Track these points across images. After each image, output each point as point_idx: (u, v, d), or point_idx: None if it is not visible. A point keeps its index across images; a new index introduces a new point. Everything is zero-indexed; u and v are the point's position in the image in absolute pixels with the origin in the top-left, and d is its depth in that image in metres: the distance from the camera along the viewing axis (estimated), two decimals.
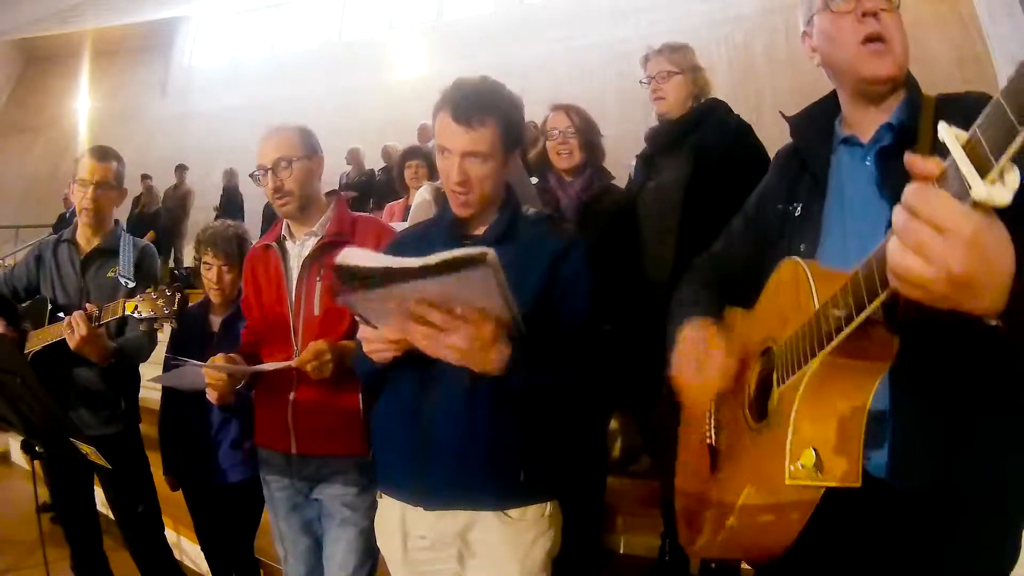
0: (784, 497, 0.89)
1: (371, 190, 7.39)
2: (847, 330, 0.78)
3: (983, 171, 0.59)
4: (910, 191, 0.64)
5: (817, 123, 1.16)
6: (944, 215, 0.62)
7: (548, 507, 1.41)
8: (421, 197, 2.78)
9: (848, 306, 0.77)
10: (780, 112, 1.25)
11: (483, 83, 1.37)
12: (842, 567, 1.01)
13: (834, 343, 0.81)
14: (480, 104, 1.32)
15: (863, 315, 0.76)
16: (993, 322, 0.68)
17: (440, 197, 2.22)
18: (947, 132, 0.61)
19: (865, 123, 1.09)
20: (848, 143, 1.11)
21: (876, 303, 0.73)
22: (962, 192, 0.60)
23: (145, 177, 8.95)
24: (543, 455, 1.38)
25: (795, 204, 1.14)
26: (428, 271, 1.04)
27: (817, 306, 0.86)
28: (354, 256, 1.10)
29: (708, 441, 1.13)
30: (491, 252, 1.03)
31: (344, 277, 1.10)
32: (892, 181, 0.99)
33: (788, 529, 0.93)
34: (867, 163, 1.07)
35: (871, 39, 1.03)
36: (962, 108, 1.00)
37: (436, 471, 1.36)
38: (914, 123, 1.02)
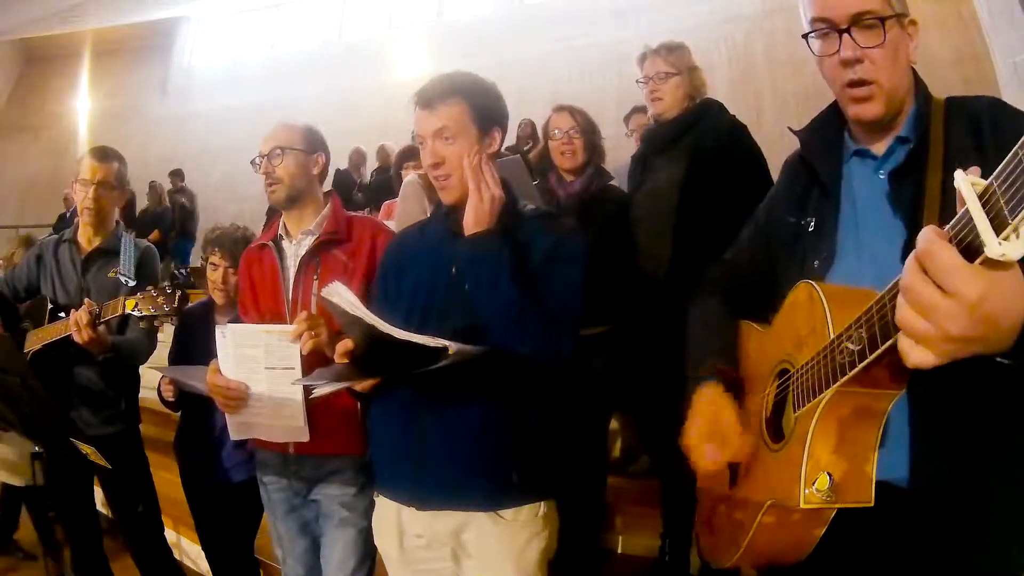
0: (801, 514, 0.91)
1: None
2: (861, 365, 0.79)
3: (999, 227, 0.58)
4: (925, 241, 0.63)
5: (826, 135, 1.14)
6: (949, 278, 0.61)
7: (542, 508, 1.41)
8: (408, 180, 2.76)
9: (862, 341, 0.78)
10: (788, 128, 1.22)
11: (449, 73, 1.42)
12: (853, 570, 1.01)
13: (848, 376, 0.82)
14: (441, 88, 1.38)
15: (876, 354, 0.76)
16: (1004, 360, 0.68)
17: (429, 186, 2.23)
18: (963, 182, 0.61)
19: (875, 136, 1.07)
20: (860, 155, 1.09)
21: (888, 343, 0.74)
22: (976, 244, 0.59)
23: (152, 185, 8.91)
24: (536, 456, 1.39)
25: (808, 218, 1.13)
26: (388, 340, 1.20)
27: (832, 333, 0.87)
28: (340, 295, 1.26)
29: None
30: (453, 347, 1.17)
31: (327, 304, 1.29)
32: (906, 198, 0.99)
33: (806, 542, 0.95)
34: (880, 176, 1.05)
35: (853, 84, 1.01)
36: (970, 113, 1.00)
37: (429, 472, 1.37)
38: (925, 134, 1.01)
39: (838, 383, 0.84)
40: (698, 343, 1.22)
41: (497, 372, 1.30)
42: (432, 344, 1.17)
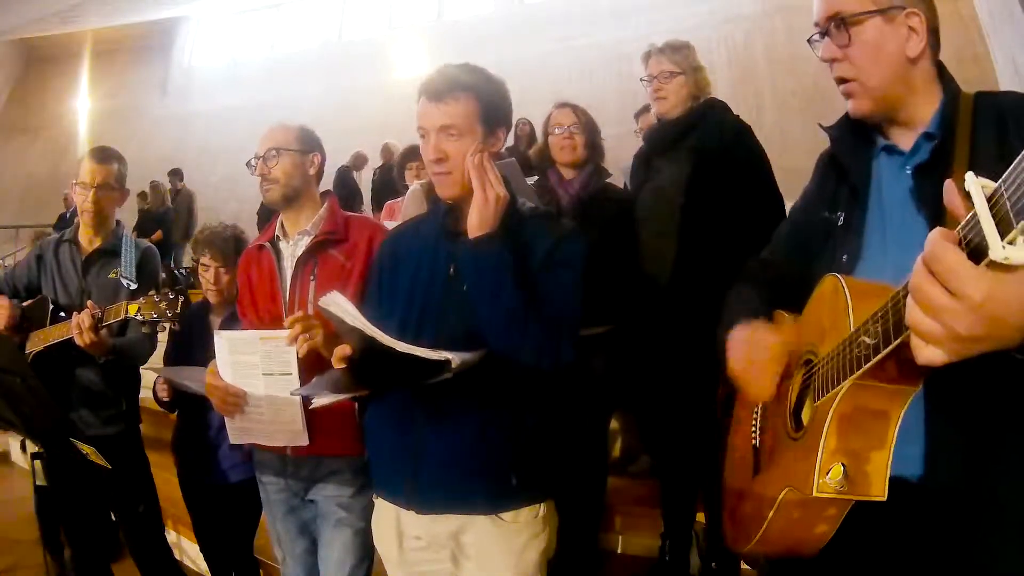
0: (816, 505, 0.92)
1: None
2: (875, 359, 0.80)
3: (1004, 230, 0.58)
4: (931, 243, 0.64)
5: (857, 131, 1.14)
6: (955, 280, 0.62)
7: (541, 508, 1.41)
8: (413, 189, 2.78)
9: (878, 335, 0.79)
10: (819, 124, 1.23)
11: (459, 65, 1.38)
12: (865, 565, 1.01)
13: (863, 370, 0.83)
14: (452, 81, 1.34)
15: (890, 348, 0.77)
16: (1021, 356, 0.69)
17: (430, 191, 2.23)
18: (974, 184, 0.61)
19: (902, 132, 1.08)
20: (888, 151, 1.10)
21: (900, 340, 0.75)
22: (983, 246, 0.60)
23: (154, 185, 8.89)
24: (535, 458, 1.38)
25: (838, 213, 1.14)
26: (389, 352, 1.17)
27: (853, 326, 0.88)
28: (338, 304, 1.23)
29: (753, 442, 1.15)
30: (455, 359, 1.15)
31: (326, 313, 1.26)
32: (930, 194, 0.99)
33: (820, 534, 0.96)
34: (907, 172, 1.05)
35: (839, 82, 1.06)
36: (998, 109, 1.00)
37: (427, 476, 1.36)
38: (951, 130, 1.01)
39: (854, 375, 0.85)
40: (732, 313, 1.21)
41: (496, 375, 1.29)
42: (434, 357, 1.15)
